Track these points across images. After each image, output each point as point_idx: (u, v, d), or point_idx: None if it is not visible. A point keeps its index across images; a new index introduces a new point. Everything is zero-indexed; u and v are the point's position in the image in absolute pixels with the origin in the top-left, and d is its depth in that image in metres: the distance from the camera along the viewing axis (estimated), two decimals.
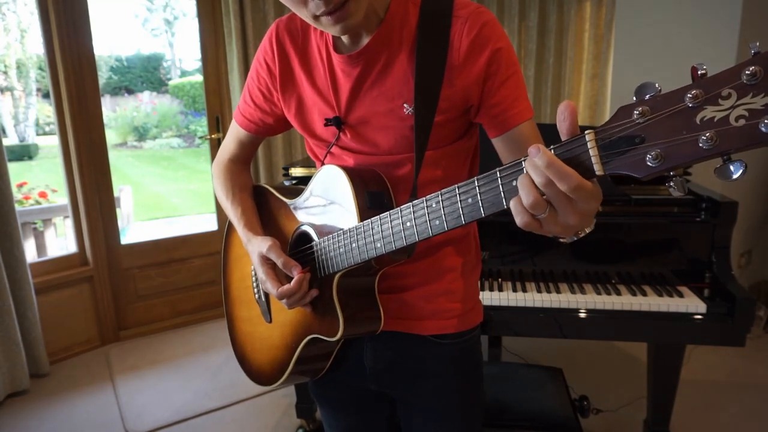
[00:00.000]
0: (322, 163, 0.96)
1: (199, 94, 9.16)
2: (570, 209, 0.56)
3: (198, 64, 3.88)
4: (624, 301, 1.59)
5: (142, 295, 3.10)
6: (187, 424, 2.28)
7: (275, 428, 2.24)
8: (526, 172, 0.57)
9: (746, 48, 2.73)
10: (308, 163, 2.13)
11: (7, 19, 6.64)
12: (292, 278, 0.89)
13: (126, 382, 2.60)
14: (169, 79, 11.30)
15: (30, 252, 3.55)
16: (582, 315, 1.61)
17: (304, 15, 0.78)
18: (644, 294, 1.62)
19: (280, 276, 0.93)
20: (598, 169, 0.54)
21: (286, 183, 1.98)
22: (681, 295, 1.61)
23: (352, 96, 0.88)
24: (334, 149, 0.94)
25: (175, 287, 3.20)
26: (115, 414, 2.35)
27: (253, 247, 0.95)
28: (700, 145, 0.47)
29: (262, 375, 1.06)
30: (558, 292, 1.65)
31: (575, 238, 0.64)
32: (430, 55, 0.82)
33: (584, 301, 1.61)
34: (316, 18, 0.76)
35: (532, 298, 1.63)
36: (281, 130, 1.06)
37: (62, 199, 3.66)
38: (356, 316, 0.88)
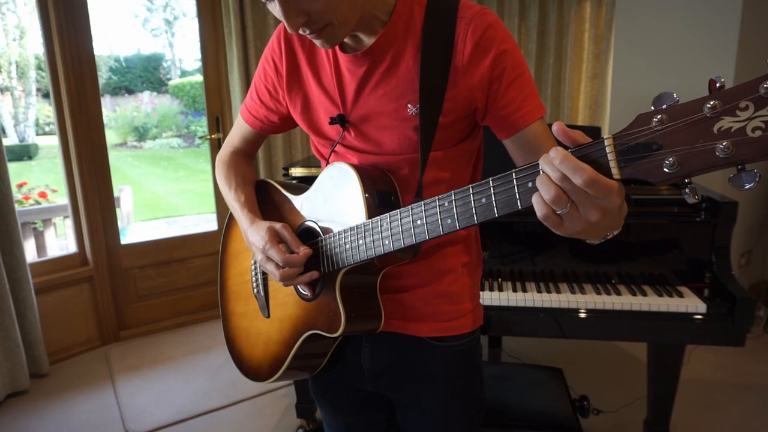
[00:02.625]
0: (327, 162, 0.96)
1: (199, 94, 9.16)
2: (589, 203, 0.57)
3: (198, 64, 3.89)
4: (624, 301, 1.60)
5: (142, 295, 3.10)
6: (187, 424, 2.28)
7: (275, 428, 2.24)
8: (543, 171, 0.58)
9: (746, 48, 2.73)
10: (308, 163, 2.13)
11: (6, 19, 6.64)
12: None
13: (126, 382, 2.60)
14: (169, 79, 11.29)
15: (30, 252, 3.55)
16: (582, 315, 1.61)
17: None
18: (644, 294, 1.62)
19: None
20: (615, 173, 0.55)
21: None
22: (681, 295, 1.61)
23: (356, 95, 0.88)
24: (338, 148, 0.94)
25: (175, 287, 3.20)
26: (115, 414, 2.35)
27: (260, 226, 0.94)
28: (717, 153, 0.49)
29: (257, 371, 1.06)
30: (558, 292, 1.65)
31: (603, 240, 0.65)
32: (435, 56, 0.82)
33: (584, 301, 1.61)
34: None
35: (532, 298, 1.63)
36: (285, 129, 1.06)
37: (62, 199, 3.66)
38: (358, 314, 0.89)
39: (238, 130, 1.09)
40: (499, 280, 1.72)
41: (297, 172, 2.00)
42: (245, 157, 1.12)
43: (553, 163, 0.56)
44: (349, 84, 0.89)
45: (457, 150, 0.90)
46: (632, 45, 3.19)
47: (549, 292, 1.65)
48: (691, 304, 1.57)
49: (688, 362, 2.59)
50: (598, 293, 1.63)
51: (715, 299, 1.59)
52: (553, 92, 3.62)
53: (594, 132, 1.93)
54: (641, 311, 1.59)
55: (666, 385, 1.80)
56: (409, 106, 0.85)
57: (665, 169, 0.52)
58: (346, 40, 0.87)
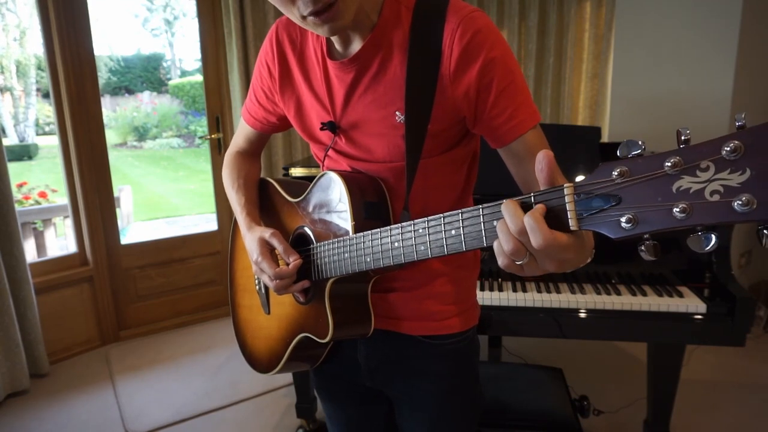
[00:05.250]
0: (323, 164, 0.97)
1: (199, 94, 9.16)
2: (546, 258, 0.57)
3: (198, 64, 3.89)
4: (624, 301, 1.60)
5: (142, 295, 3.10)
6: (187, 424, 2.28)
7: (275, 428, 2.24)
8: (503, 218, 0.57)
9: (746, 48, 2.73)
10: (308, 163, 2.13)
11: (6, 19, 6.64)
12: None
13: (126, 382, 2.60)
14: (169, 79, 11.28)
15: (30, 252, 3.55)
16: (582, 315, 1.61)
17: (292, 16, 0.76)
18: (644, 294, 1.62)
19: (276, 260, 0.94)
20: (573, 224, 0.54)
21: None
22: (681, 295, 1.61)
23: (345, 101, 0.87)
24: (331, 153, 0.94)
25: (175, 287, 3.20)
26: (115, 414, 2.35)
27: (254, 234, 0.96)
28: (674, 215, 0.47)
29: (259, 362, 1.09)
30: (558, 292, 1.65)
31: (573, 269, 0.65)
32: (422, 63, 0.80)
33: (584, 301, 1.61)
34: (303, 18, 0.75)
35: (532, 298, 1.63)
36: (286, 128, 1.06)
37: (62, 199, 3.66)
38: (346, 321, 0.90)
39: (241, 130, 1.11)
40: (499, 280, 1.72)
41: (297, 172, 2.00)
42: (250, 156, 1.13)
43: (515, 217, 0.56)
44: (338, 90, 0.87)
45: (449, 156, 0.88)
46: (632, 45, 3.19)
47: (549, 292, 1.65)
48: (691, 304, 1.57)
49: (688, 362, 2.59)
50: (598, 293, 1.63)
51: (715, 299, 1.59)
52: (553, 92, 3.62)
53: (594, 132, 1.93)
54: (641, 311, 1.59)
55: (666, 385, 1.80)
56: (397, 113, 0.83)
57: (622, 225, 0.50)
58: (335, 44, 0.86)
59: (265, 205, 1.07)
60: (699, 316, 1.57)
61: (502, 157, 0.86)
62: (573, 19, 3.48)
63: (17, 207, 2.47)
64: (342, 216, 0.85)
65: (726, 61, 2.75)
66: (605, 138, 3.36)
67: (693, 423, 2.19)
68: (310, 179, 0.96)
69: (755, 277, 3.17)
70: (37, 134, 8.20)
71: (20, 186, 4.48)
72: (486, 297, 1.64)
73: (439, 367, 0.97)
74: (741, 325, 1.53)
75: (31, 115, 7.94)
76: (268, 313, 1.05)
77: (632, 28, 3.18)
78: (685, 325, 1.57)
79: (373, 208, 0.85)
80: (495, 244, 0.59)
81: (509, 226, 0.56)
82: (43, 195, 4.40)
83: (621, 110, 3.32)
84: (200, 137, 3.25)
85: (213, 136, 3.15)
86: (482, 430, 1.78)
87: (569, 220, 0.54)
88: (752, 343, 2.79)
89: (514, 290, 1.66)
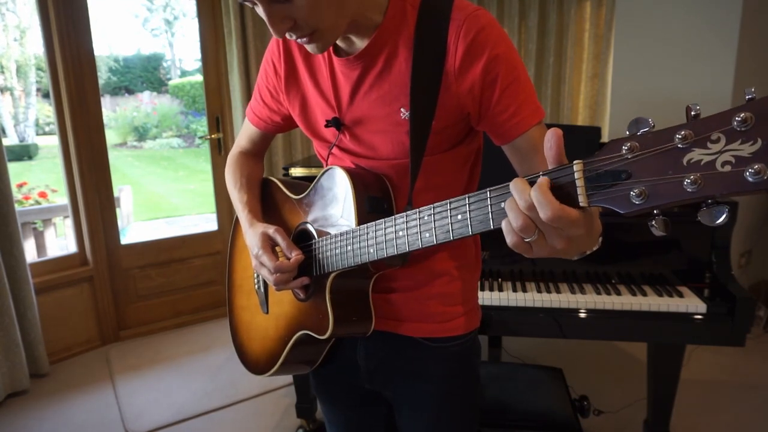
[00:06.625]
0: (326, 164, 0.97)
1: (199, 94, 9.15)
2: (554, 233, 0.56)
3: (198, 64, 3.89)
4: (624, 301, 1.60)
5: (142, 295, 3.10)
6: (187, 424, 2.28)
7: (275, 428, 2.24)
8: (512, 197, 0.57)
9: (746, 47, 2.73)
10: (308, 163, 2.13)
11: (6, 19, 6.64)
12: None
13: (126, 382, 2.60)
14: (169, 79, 11.28)
15: (30, 252, 3.55)
16: (582, 315, 1.61)
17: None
18: (644, 294, 1.62)
19: (277, 256, 0.94)
20: (582, 200, 0.53)
21: None
22: (681, 295, 1.61)
23: (351, 98, 0.88)
24: (335, 151, 0.94)
25: (175, 287, 3.20)
26: (115, 414, 2.35)
27: (256, 230, 0.95)
28: (685, 187, 0.47)
29: (255, 363, 1.08)
30: (558, 292, 1.65)
31: (581, 256, 0.64)
32: (427, 60, 0.81)
33: (584, 301, 1.61)
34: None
35: (532, 298, 1.63)
36: (290, 128, 1.07)
37: (62, 199, 3.66)
38: (347, 317, 0.89)
39: (245, 130, 1.11)
40: (499, 280, 1.72)
41: (297, 172, 2.00)
42: (253, 156, 1.13)
43: (523, 191, 0.56)
44: (343, 87, 0.88)
45: (452, 153, 0.89)
46: (632, 45, 3.19)
47: (549, 292, 1.65)
48: (691, 304, 1.57)
49: (688, 362, 2.59)
50: (598, 293, 1.63)
51: (715, 299, 1.59)
52: (553, 92, 3.62)
53: (594, 132, 1.93)
54: (641, 311, 1.59)
55: (666, 386, 1.80)
56: (402, 110, 0.84)
57: (633, 200, 0.50)
58: (339, 43, 0.86)
59: (268, 203, 1.07)
60: (699, 316, 1.57)
61: (507, 155, 0.87)
62: (573, 19, 3.48)
63: (17, 207, 2.47)
64: (346, 209, 0.85)
65: (726, 61, 2.75)
66: (605, 138, 3.36)
67: (693, 423, 2.19)
68: (310, 179, 0.96)
69: (755, 277, 3.17)
70: (37, 134, 8.19)
71: (20, 186, 4.47)
72: (486, 297, 1.64)
73: (440, 369, 0.97)
74: (741, 325, 1.53)
75: (31, 115, 7.94)
76: (267, 312, 1.05)
77: (632, 28, 3.18)
78: (685, 325, 1.57)
79: (376, 203, 0.86)
80: (504, 223, 0.59)
81: (518, 203, 0.56)
82: (43, 195, 4.40)
83: (621, 110, 3.32)
84: (200, 137, 3.25)
85: (213, 136, 3.15)
86: (482, 430, 1.78)
87: (579, 196, 0.54)
88: (752, 343, 2.79)
89: (514, 290, 1.66)
